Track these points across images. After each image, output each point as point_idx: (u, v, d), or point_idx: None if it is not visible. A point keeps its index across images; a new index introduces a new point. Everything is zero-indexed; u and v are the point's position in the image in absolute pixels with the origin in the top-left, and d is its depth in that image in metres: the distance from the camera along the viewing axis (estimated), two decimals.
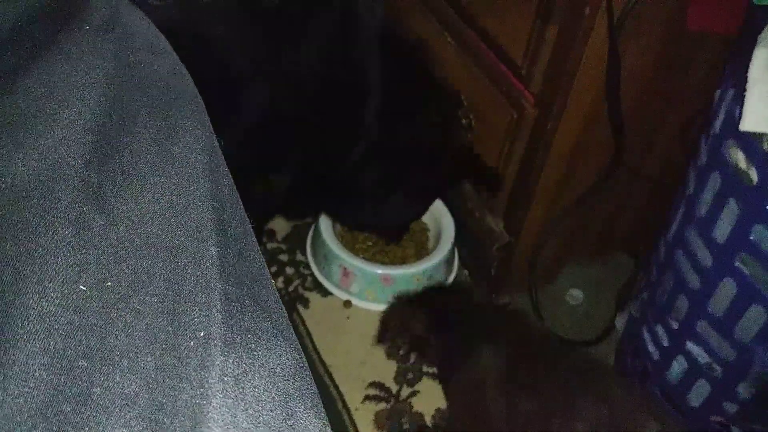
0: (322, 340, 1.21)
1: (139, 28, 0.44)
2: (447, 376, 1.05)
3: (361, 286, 1.24)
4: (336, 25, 0.95)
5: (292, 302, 1.26)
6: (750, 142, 0.76)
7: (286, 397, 0.30)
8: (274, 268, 1.31)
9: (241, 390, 0.29)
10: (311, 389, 0.32)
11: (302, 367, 0.32)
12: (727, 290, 0.85)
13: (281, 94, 0.93)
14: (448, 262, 1.28)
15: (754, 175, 0.77)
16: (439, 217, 1.31)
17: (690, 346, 0.94)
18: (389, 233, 1.29)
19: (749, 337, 0.85)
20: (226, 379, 0.29)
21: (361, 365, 1.18)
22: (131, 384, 0.27)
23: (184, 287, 0.31)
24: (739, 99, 0.78)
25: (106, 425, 0.25)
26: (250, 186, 0.98)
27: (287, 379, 0.31)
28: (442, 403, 1.13)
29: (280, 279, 1.29)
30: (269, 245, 1.34)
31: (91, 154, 0.33)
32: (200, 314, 0.31)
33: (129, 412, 0.26)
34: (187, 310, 0.30)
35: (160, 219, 0.33)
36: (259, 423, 0.28)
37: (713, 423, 0.96)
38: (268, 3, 0.92)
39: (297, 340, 0.35)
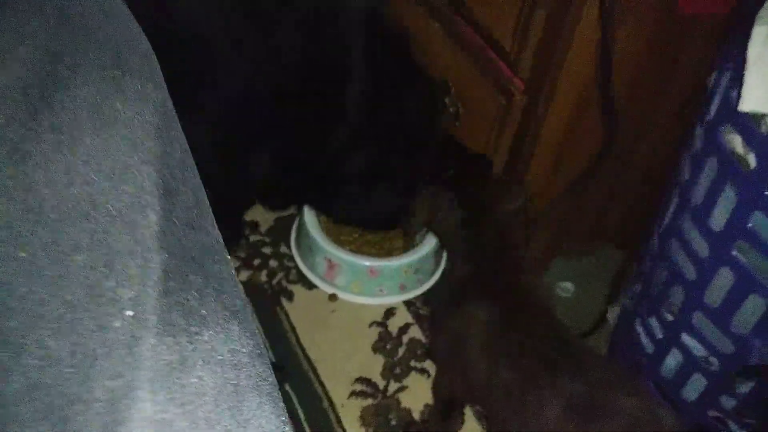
0: (307, 335, 1.16)
1: None
2: (434, 321, 1.02)
3: (347, 279, 1.19)
4: (319, 4, 0.91)
5: (276, 296, 1.21)
6: (748, 125, 0.72)
7: (236, 389, 0.26)
8: (257, 261, 1.26)
9: (177, 381, 0.24)
10: (268, 379, 0.27)
11: (258, 354, 0.28)
12: (723, 280, 0.81)
13: (261, 73, 0.88)
14: (437, 253, 1.24)
15: (752, 160, 0.73)
16: None
17: (685, 338, 0.90)
18: (376, 226, 1.25)
19: (747, 328, 0.81)
20: (158, 367, 0.25)
21: (347, 360, 1.14)
22: (40, 374, 0.22)
23: (115, 259, 0.27)
24: (736, 81, 0.75)
25: (8, 423, 0.21)
26: (228, 168, 0.94)
27: (239, 368, 0.27)
28: (431, 399, 1.09)
29: (264, 272, 1.25)
30: (252, 237, 1.29)
31: (16, 111, 0.28)
32: (131, 290, 0.26)
33: (35, 407, 0.21)
34: (115, 285, 0.26)
35: (91, 182, 0.29)
36: (197, 419, 0.24)
37: (709, 418, 0.93)
38: None
39: (254, 324, 0.30)
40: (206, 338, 0.27)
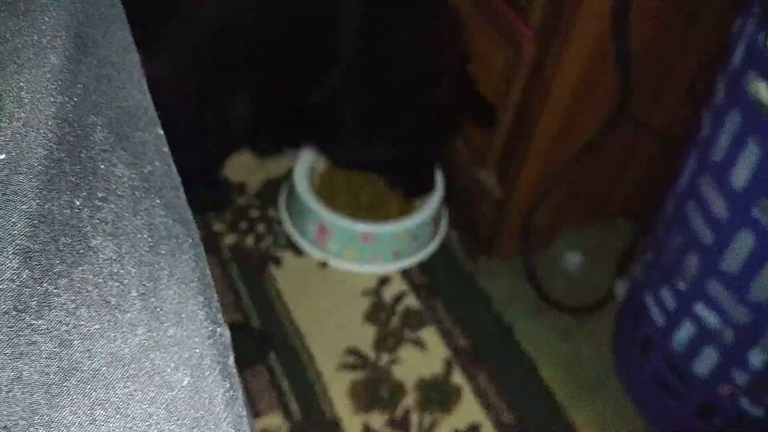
0: (295, 303, 1.14)
1: None
2: None
3: (338, 245, 1.17)
4: None
5: (263, 261, 1.19)
6: None
7: (151, 277, 0.23)
8: (244, 225, 1.23)
9: (67, 259, 0.21)
10: (199, 271, 0.24)
11: (187, 236, 0.25)
12: (743, 244, 0.79)
13: (237, 7, 0.83)
14: (435, 221, 1.21)
15: None
16: None
17: (699, 309, 0.88)
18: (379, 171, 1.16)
19: (766, 296, 0.79)
20: (42, 229, 0.21)
21: (337, 330, 1.11)
22: None
23: None
24: (764, 24, 0.72)
25: None
26: (205, 111, 0.89)
27: (154, 250, 0.24)
28: (424, 371, 1.07)
29: (251, 236, 1.22)
30: (240, 200, 1.27)
31: None
32: (11, 130, 0.23)
33: None
34: None
35: None
36: (96, 311, 0.21)
37: (721, 394, 0.90)
38: None
39: (187, 210, 0.27)
40: (112, 209, 0.24)
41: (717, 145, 0.81)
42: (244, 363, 1.08)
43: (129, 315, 0.22)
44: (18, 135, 0.23)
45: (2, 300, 0.20)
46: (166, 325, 0.22)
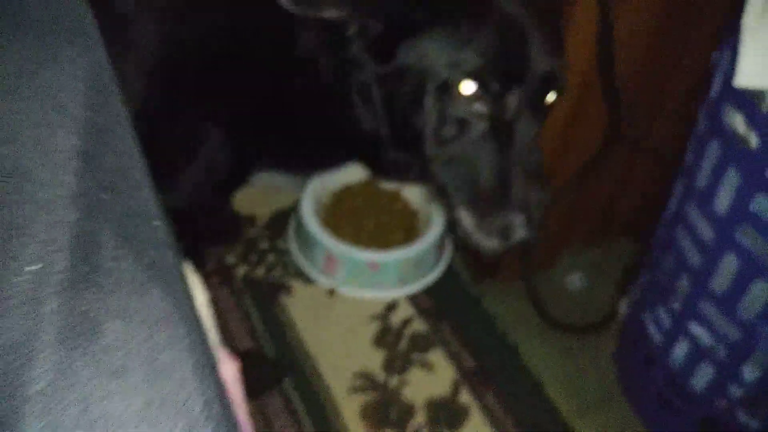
0: (306, 330, 1.19)
1: None
2: None
3: (345, 273, 1.22)
4: None
5: (274, 290, 1.24)
6: (748, 104, 0.74)
7: (150, 345, 0.29)
8: (254, 256, 1.29)
9: (82, 334, 0.27)
10: (189, 336, 0.31)
11: (181, 317, 0.31)
12: (729, 266, 0.83)
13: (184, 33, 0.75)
14: (439, 246, 1.26)
15: (753, 140, 0.75)
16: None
17: (692, 327, 0.92)
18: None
19: (753, 314, 0.83)
20: (63, 321, 0.28)
21: (347, 355, 1.17)
22: None
23: (23, 215, 0.30)
24: (737, 58, 0.76)
25: None
26: (169, 137, 0.76)
27: (154, 327, 0.30)
28: (433, 392, 1.12)
29: (262, 267, 1.28)
30: (250, 232, 1.33)
31: None
32: (38, 247, 0.30)
33: None
34: (22, 242, 0.29)
35: (12, 141, 0.32)
36: (103, 369, 0.27)
37: (718, 409, 0.94)
38: None
39: (181, 287, 0.33)
40: (118, 297, 0.30)
41: (700, 172, 0.85)
42: (260, 389, 1.13)
43: (132, 381, 0.28)
44: (44, 253, 0.29)
45: (36, 382, 0.27)
46: (162, 387, 0.28)
